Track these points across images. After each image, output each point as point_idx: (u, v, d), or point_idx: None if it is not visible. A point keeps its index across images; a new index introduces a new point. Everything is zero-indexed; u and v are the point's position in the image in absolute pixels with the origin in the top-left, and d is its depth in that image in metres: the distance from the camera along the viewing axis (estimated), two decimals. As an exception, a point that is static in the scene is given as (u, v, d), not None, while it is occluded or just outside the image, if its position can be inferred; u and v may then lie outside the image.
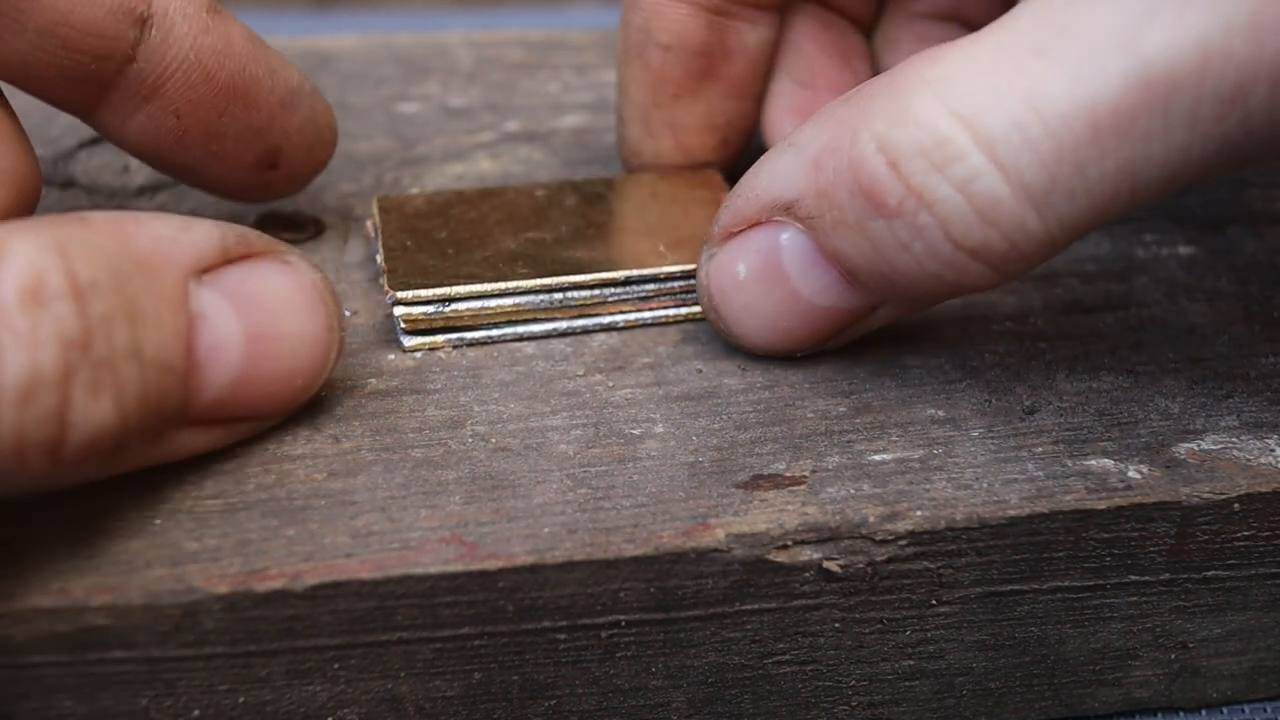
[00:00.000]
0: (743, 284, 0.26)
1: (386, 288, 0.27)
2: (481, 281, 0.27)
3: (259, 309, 0.23)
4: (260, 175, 0.29)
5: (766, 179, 0.25)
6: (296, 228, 0.31)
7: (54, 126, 0.35)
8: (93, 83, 0.26)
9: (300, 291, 0.24)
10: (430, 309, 0.27)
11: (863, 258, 0.24)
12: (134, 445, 0.22)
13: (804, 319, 0.26)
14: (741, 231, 0.26)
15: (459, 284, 0.27)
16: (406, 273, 0.28)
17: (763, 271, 0.26)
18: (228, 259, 0.23)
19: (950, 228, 0.22)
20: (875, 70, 0.33)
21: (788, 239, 0.25)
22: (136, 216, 0.22)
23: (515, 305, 0.28)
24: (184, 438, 0.23)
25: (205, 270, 0.23)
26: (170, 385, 0.22)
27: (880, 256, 0.24)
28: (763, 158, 0.26)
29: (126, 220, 0.22)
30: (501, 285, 0.27)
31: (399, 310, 0.27)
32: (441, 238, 0.29)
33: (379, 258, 0.28)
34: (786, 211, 0.25)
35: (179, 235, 0.23)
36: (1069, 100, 0.21)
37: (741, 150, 0.32)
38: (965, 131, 0.22)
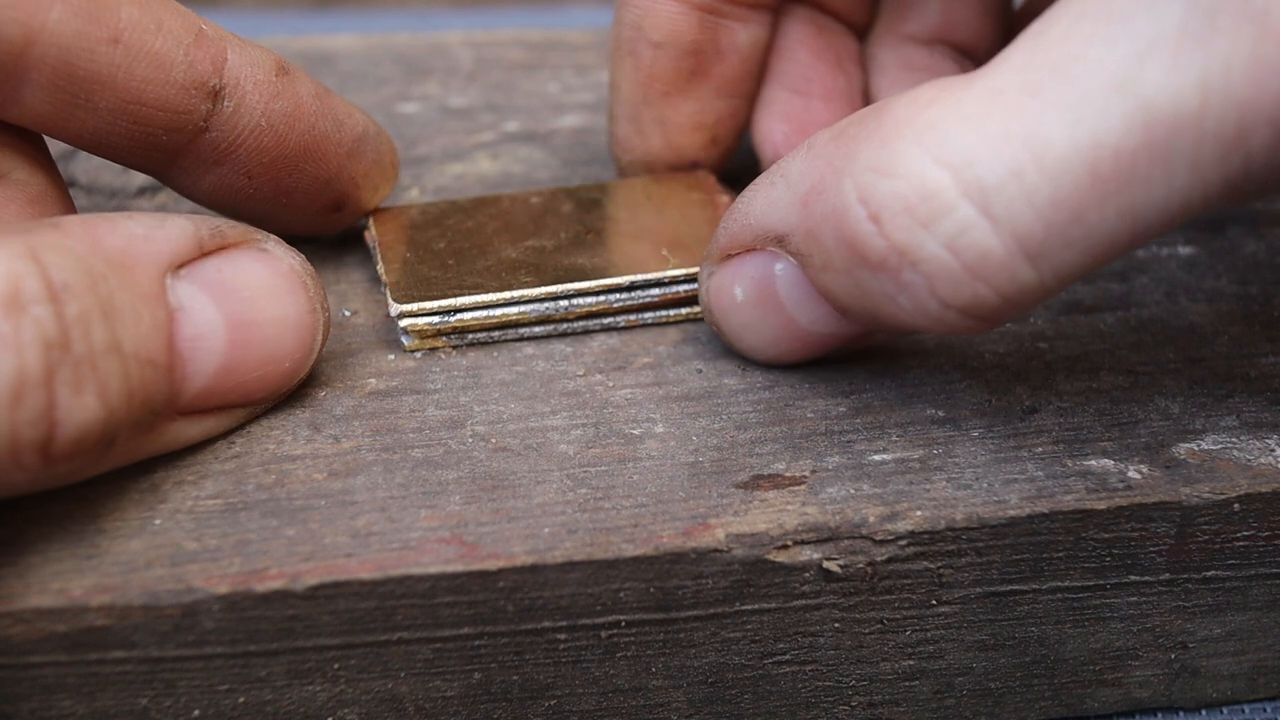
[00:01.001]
0: (741, 306, 0.26)
1: (390, 301, 0.27)
2: (486, 291, 0.27)
3: (237, 297, 0.24)
4: (326, 218, 0.29)
5: (760, 208, 0.25)
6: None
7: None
8: (165, 151, 0.26)
9: (279, 276, 0.24)
10: (436, 319, 0.27)
11: (852, 300, 0.24)
12: (125, 439, 0.22)
13: (802, 342, 0.26)
14: (738, 255, 0.26)
15: (463, 294, 0.27)
16: (409, 285, 0.27)
17: (759, 298, 0.26)
18: (203, 252, 0.24)
19: (937, 286, 0.22)
20: (867, 78, 0.32)
21: (781, 270, 0.25)
22: (110, 218, 0.23)
23: (520, 314, 0.27)
24: (178, 428, 0.24)
25: (182, 264, 0.23)
26: (154, 378, 0.22)
27: (869, 302, 0.23)
28: (756, 182, 0.25)
29: (99, 222, 0.22)
30: (507, 295, 0.27)
31: (405, 322, 0.27)
32: (440, 248, 0.29)
33: (379, 269, 0.28)
34: (779, 244, 0.25)
35: (151, 233, 0.23)
36: (1069, 143, 0.20)
37: (732, 149, 0.32)
38: (953, 181, 0.21)
